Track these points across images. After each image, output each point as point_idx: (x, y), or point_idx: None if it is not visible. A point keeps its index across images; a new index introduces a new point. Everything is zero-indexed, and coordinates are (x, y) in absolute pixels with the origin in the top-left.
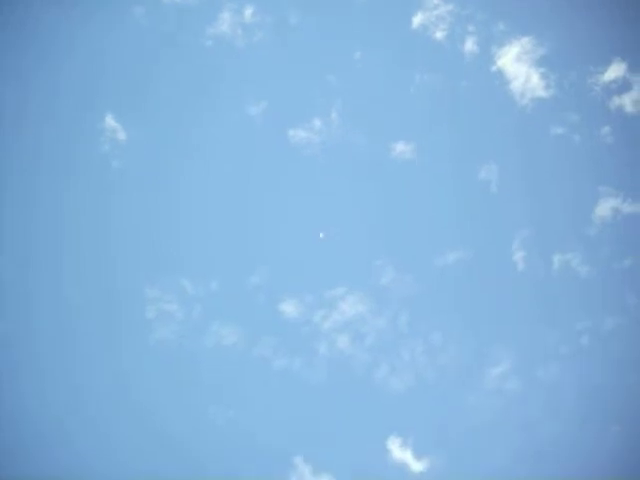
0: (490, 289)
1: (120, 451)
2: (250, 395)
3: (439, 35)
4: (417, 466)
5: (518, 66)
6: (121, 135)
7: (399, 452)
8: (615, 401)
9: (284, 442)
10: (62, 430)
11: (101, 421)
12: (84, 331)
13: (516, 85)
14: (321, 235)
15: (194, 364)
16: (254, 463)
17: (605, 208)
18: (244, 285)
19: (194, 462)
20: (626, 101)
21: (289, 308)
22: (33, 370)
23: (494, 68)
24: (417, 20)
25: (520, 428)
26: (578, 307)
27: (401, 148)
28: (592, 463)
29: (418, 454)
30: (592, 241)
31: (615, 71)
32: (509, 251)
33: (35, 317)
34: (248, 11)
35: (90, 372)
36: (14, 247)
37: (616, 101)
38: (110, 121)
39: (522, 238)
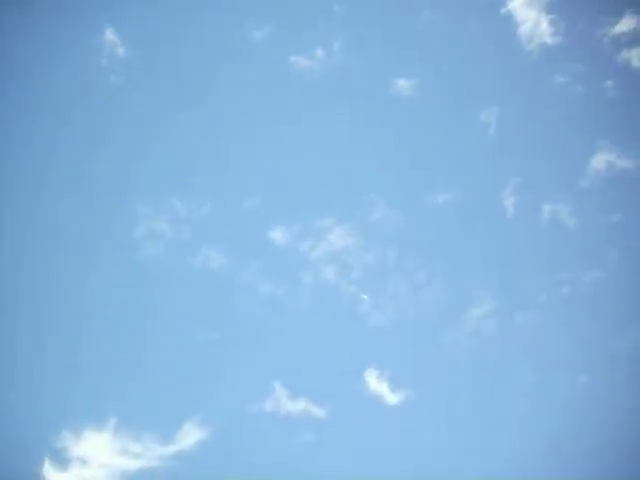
0: (477, 232)
1: (105, 368)
2: (232, 318)
3: None
4: (392, 398)
5: (528, 10)
6: (120, 50)
7: (376, 384)
8: (587, 351)
9: (263, 366)
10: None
11: (86, 339)
12: (71, 244)
13: (524, 30)
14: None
15: (180, 284)
16: (231, 384)
17: (600, 161)
18: (235, 209)
19: (176, 380)
20: (634, 55)
21: (278, 235)
22: (19, 283)
23: (503, 10)
24: None
25: (494, 370)
26: (562, 258)
27: (402, 84)
28: (560, 409)
29: (394, 387)
30: (583, 194)
31: (626, 24)
32: (500, 196)
33: (23, 233)
34: None
35: (76, 287)
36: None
37: (624, 55)
38: (110, 35)
39: (514, 184)
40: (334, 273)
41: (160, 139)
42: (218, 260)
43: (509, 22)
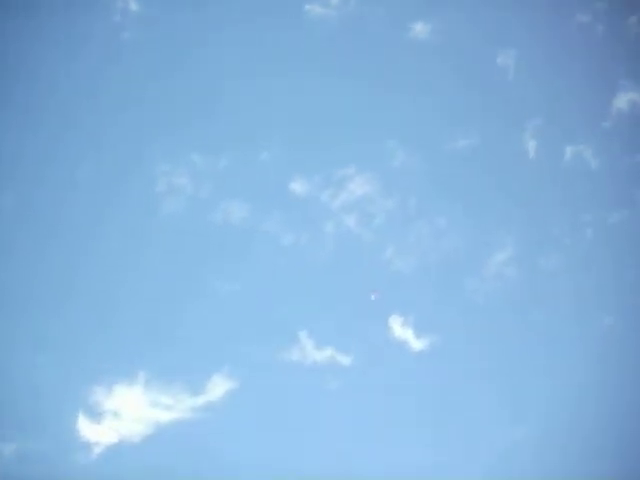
0: (499, 176)
1: (133, 324)
2: (256, 270)
3: None
4: (417, 344)
5: None
6: (133, 6)
7: (400, 330)
8: (612, 293)
9: (288, 316)
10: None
11: (113, 296)
12: (93, 202)
13: None
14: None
15: (202, 238)
16: (258, 335)
17: (623, 101)
18: (254, 162)
19: (203, 332)
20: None
21: (298, 186)
22: (38, 240)
23: None
24: None
25: (517, 314)
26: (585, 199)
27: (419, 28)
28: (582, 349)
29: (418, 333)
30: (606, 134)
31: None
32: (521, 139)
33: (43, 189)
34: None
35: (99, 244)
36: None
37: None
38: None
39: (535, 126)
40: (356, 221)
41: (177, 95)
42: (239, 213)
43: None
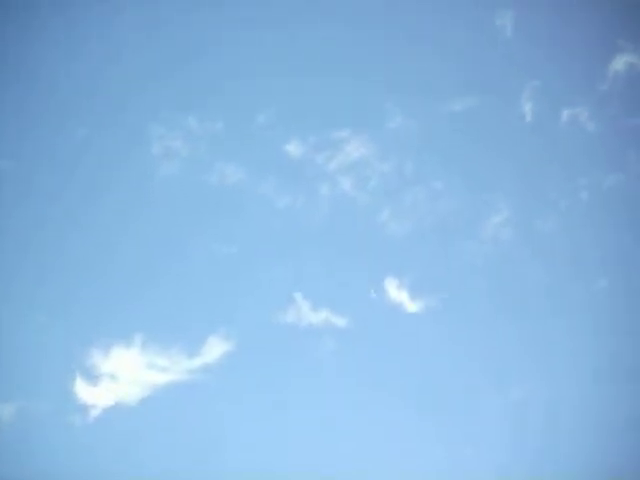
0: (495, 139)
1: (129, 286)
2: (252, 232)
3: None
4: (412, 306)
5: None
6: None
7: (395, 292)
8: (607, 256)
9: (284, 278)
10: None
11: (109, 258)
12: (88, 164)
13: None
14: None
15: (197, 201)
16: (253, 297)
17: (620, 63)
18: (249, 124)
19: (199, 294)
20: None
21: (293, 148)
22: (34, 203)
23: None
24: None
25: (513, 277)
26: (581, 162)
27: None
28: (578, 310)
29: (413, 295)
30: (603, 97)
31: None
32: (518, 102)
33: (39, 149)
34: None
35: (94, 206)
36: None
37: None
38: None
39: (532, 89)
40: (351, 184)
41: (171, 57)
42: (234, 175)
43: None
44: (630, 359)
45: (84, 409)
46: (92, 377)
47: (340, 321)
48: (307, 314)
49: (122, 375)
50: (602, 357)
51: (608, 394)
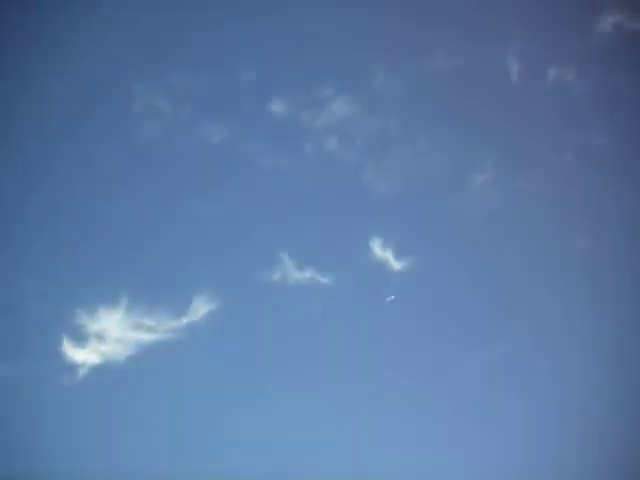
0: (481, 98)
1: (115, 247)
2: (237, 192)
3: None
4: (397, 265)
5: None
6: None
7: (380, 252)
8: (591, 216)
9: (269, 237)
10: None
11: (95, 218)
12: (70, 124)
13: None
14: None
15: (181, 160)
16: (239, 257)
17: (607, 23)
18: (233, 82)
19: (185, 255)
20: None
21: (278, 107)
22: (19, 165)
23: None
24: None
25: (497, 235)
26: (567, 122)
27: None
28: (560, 270)
29: (398, 254)
30: (589, 57)
31: None
32: (504, 61)
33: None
34: None
35: (78, 167)
36: None
37: None
38: None
39: (519, 48)
40: (336, 143)
41: (154, 15)
42: (218, 134)
43: None
44: (608, 314)
45: (72, 369)
46: (79, 337)
47: (325, 280)
48: (292, 273)
49: (109, 335)
50: (583, 314)
51: (586, 348)
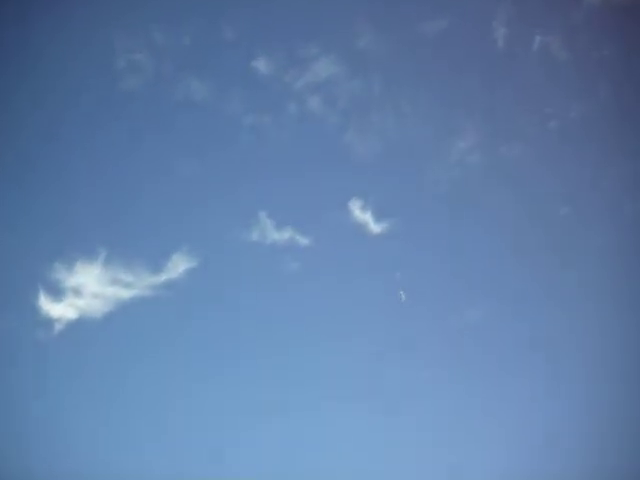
0: (466, 63)
1: (93, 201)
2: (217, 150)
3: None
4: (375, 228)
5: None
6: None
7: (360, 213)
8: (571, 185)
9: (248, 196)
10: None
11: (74, 175)
12: (51, 80)
13: None
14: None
15: (162, 117)
16: (218, 214)
17: None
18: (217, 39)
19: (164, 211)
20: None
21: (261, 65)
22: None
23: None
24: None
25: (477, 201)
26: (551, 91)
27: None
28: (539, 236)
29: (377, 217)
30: (575, 26)
31: None
32: (490, 26)
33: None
34: None
35: (57, 121)
36: None
37: None
38: None
39: (506, 14)
40: (319, 103)
41: None
42: (200, 92)
43: None
44: (590, 281)
45: (48, 324)
46: (56, 292)
47: (304, 240)
48: (271, 232)
49: (86, 290)
50: (563, 281)
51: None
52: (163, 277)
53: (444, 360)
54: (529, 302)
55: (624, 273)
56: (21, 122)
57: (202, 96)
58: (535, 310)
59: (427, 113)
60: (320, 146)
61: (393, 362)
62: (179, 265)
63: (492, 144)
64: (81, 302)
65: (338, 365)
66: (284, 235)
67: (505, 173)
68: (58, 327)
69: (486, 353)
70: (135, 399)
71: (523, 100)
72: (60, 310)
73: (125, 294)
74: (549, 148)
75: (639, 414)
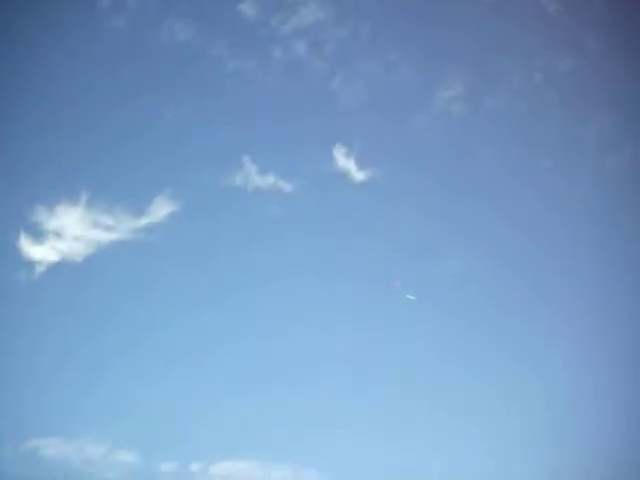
0: (453, 12)
1: (76, 143)
2: (201, 94)
3: None
4: (359, 175)
5: None
6: None
7: (344, 161)
8: (554, 137)
9: (232, 141)
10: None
11: (50, 114)
12: (36, 20)
13: None
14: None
15: (145, 60)
16: (201, 159)
17: None
18: None
19: (147, 151)
20: None
21: (247, 8)
22: None
23: None
24: None
25: (461, 152)
26: (538, 44)
27: None
28: (521, 190)
29: (361, 164)
30: None
31: None
32: None
33: None
34: None
35: (38, 61)
36: None
37: None
38: None
39: None
40: (305, 48)
41: None
42: (184, 34)
43: None
44: (573, 231)
45: (29, 266)
46: (37, 234)
47: (287, 186)
48: (254, 178)
49: (67, 233)
50: (545, 231)
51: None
52: (145, 221)
53: (425, 307)
54: (510, 253)
55: (606, 223)
56: (2, 63)
57: (186, 38)
58: (517, 261)
59: (413, 62)
60: (305, 92)
61: (375, 306)
62: (161, 209)
63: (477, 95)
64: (62, 245)
65: (319, 307)
66: (268, 180)
67: (489, 124)
68: (39, 269)
69: (465, 302)
70: (116, 340)
71: (510, 51)
72: (41, 252)
73: (106, 237)
74: (534, 100)
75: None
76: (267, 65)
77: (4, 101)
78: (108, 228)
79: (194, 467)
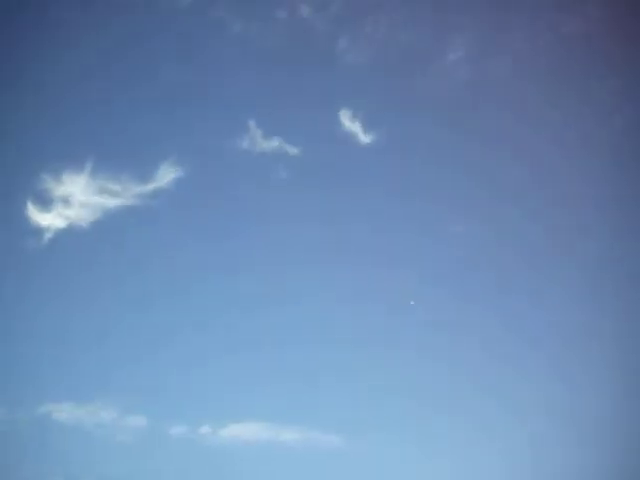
0: None
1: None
2: (205, 57)
3: None
4: (365, 138)
5: None
6: None
7: (349, 123)
8: (557, 100)
9: (237, 104)
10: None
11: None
12: None
13: None
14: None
15: (147, 22)
16: (206, 123)
17: None
18: None
19: (146, 120)
20: None
21: None
22: None
23: None
24: None
25: (465, 115)
26: (542, 6)
27: None
28: (522, 147)
29: (367, 127)
30: None
31: None
32: None
33: None
34: None
35: (45, 27)
36: None
37: None
38: None
39: None
40: (310, 9)
41: None
42: None
43: None
44: (577, 194)
45: (37, 233)
46: (44, 201)
47: (293, 149)
48: (260, 142)
49: (74, 199)
50: (549, 197)
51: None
52: (151, 186)
53: (429, 271)
54: (514, 219)
55: (614, 184)
56: (3, 31)
57: (188, 1)
58: (520, 224)
59: (419, 24)
60: (310, 53)
61: (379, 272)
62: (167, 174)
63: (481, 58)
64: (69, 211)
65: (325, 273)
66: (273, 144)
67: (494, 87)
68: (47, 236)
69: (468, 268)
70: (124, 305)
71: (515, 14)
72: (48, 219)
73: (113, 203)
74: (538, 64)
75: None
76: (271, 27)
77: (6, 72)
78: (114, 194)
79: (204, 430)
